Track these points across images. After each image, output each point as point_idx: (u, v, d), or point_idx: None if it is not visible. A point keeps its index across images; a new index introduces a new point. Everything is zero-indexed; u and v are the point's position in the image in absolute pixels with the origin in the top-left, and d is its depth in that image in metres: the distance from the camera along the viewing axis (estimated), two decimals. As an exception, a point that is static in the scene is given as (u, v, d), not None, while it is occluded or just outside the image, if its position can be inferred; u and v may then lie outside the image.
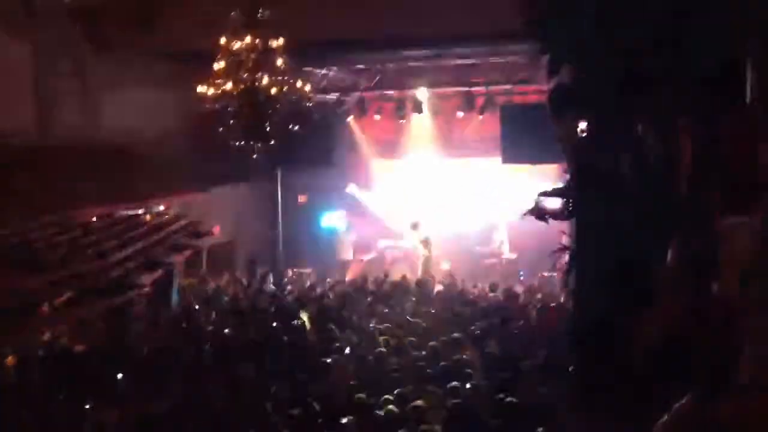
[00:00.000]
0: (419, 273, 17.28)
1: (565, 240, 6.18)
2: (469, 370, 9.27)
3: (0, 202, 10.96)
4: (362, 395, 8.35)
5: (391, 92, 18.45)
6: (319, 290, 14.96)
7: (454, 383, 8.60)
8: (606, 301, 4.73)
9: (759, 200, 2.79)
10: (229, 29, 11.01)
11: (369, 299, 14.00)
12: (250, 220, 19.89)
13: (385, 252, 19.98)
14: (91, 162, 14.18)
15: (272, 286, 15.54)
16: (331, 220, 21.04)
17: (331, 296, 14.21)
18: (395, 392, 8.38)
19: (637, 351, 2.99)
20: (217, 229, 16.28)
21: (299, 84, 11.40)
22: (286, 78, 11.23)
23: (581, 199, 4.86)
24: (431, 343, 10.39)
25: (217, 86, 11.05)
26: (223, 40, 10.97)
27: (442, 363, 9.56)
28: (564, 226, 7.35)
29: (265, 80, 10.92)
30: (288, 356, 10.14)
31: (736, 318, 2.52)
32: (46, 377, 9.33)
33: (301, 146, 16.29)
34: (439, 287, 14.79)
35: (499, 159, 17.43)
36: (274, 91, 10.98)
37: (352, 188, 20.76)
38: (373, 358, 9.91)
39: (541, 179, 14.92)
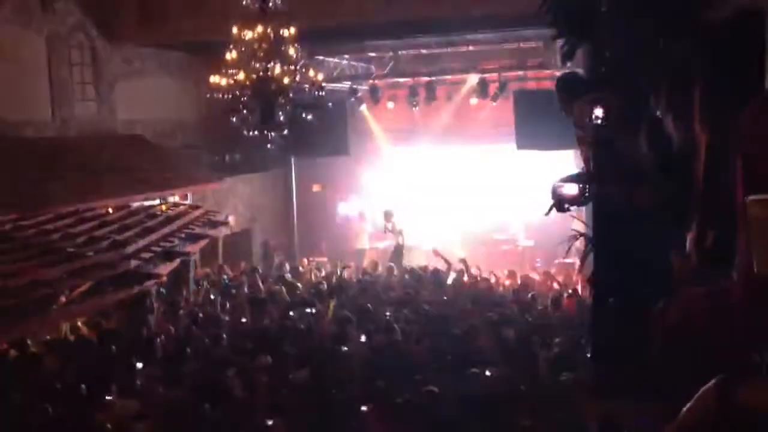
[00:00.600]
0: (388, 262, 17.33)
1: (580, 226, 6.15)
2: (487, 357, 9.27)
3: (17, 194, 11.02)
4: (380, 383, 8.36)
5: (403, 80, 18.41)
6: (334, 279, 14.96)
7: (474, 370, 8.60)
8: (624, 287, 4.71)
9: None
10: (240, 19, 10.98)
11: (384, 287, 14.00)
12: (266, 210, 19.94)
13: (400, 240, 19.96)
14: (105, 153, 14.25)
15: (288, 275, 15.56)
16: (346, 208, 21.05)
17: (347, 284, 14.20)
18: (414, 379, 8.40)
19: (657, 337, 2.98)
20: (232, 219, 16.32)
21: (311, 73, 11.38)
22: (298, 67, 11.21)
23: (598, 185, 4.83)
24: (450, 331, 10.40)
25: (229, 76, 11.03)
26: (235, 30, 10.95)
27: (460, 350, 9.56)
28: (580, 212, 7.32)
29: (278, 70, 10.89)
30: (305, 344, 10.16)
31: (757, 304, 2.50)
32: (66, 367, 9.40)
33: (315, 135, 16.30)
34: (453, 275, 14.76)
35: (513, 145, 17.34)
36: (286, 80, 10.96)
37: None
38: (391, 346, 9.92)
39: (557, 165, 14.87)
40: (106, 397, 8.15)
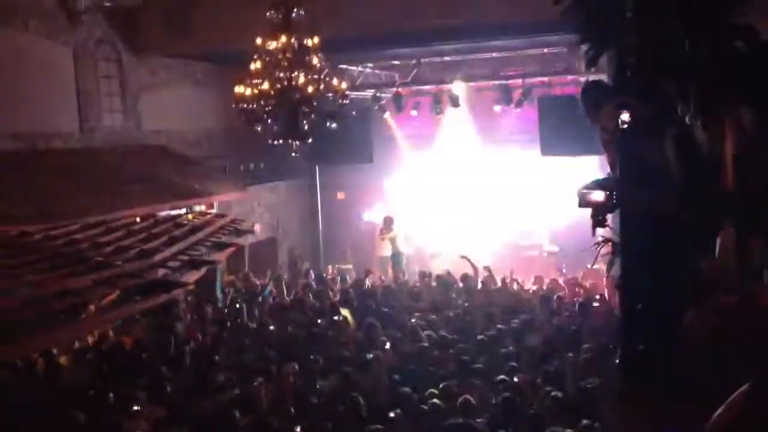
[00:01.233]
0: (390, 271, 17.50)
1: (606, 232, 6.12)
2: (513, 364, 9.24)
3: (45, 203, 11.15)
4: (406, 389, 8.37)
5: (427, 87, 18.42)
6: (360, 286, 14.98)
7: (501, 377, 8.59)
8: (652, 293, 4.68)
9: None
10: (264, 29, 11.05)
11: (411, 293, 14.01)
12: (291, 218, 20.02)
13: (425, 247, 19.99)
14: (132, 163, 14.39)
15: (314, 283, 15.60)
16: (371, 215, 21.09)
17: (372, 291, 14.22)
18: (441, 386, 8.40)
19: (687, 344, 2.96)
20: (258, 227, 16.39)
21: (335, 82, 11.41)
22: (322, 76, 11.25)
23: (625, 191, 4.81)
24: (477, 337, 10.39)
25: (254, 86, 11.09)
26: (258, 41, 11.01)
27: (487, 357, 9.55)
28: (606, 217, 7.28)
29: (302, 79, 10.94)
30: (332, 352, 10.18)
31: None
32: (95, 376, 9.49)
33: (339, 143, 16.36)
34: (480, 281, 14.73)
35: (538, 151, 17.29)
36: (310, 89, 10.99)
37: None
38: (417, 353, 9.93)
39: (581, 171, 14.81)
40: (135, 406, 8.22)
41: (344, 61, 17.11)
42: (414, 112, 19.20)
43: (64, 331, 8.10)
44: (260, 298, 13.93)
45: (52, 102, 13.75)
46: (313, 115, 11.35)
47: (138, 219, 12.37)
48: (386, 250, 18.79)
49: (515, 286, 14.68)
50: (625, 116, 4.77)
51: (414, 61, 17.76)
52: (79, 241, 9.96)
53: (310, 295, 13.97)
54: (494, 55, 17.30)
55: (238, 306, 12.97)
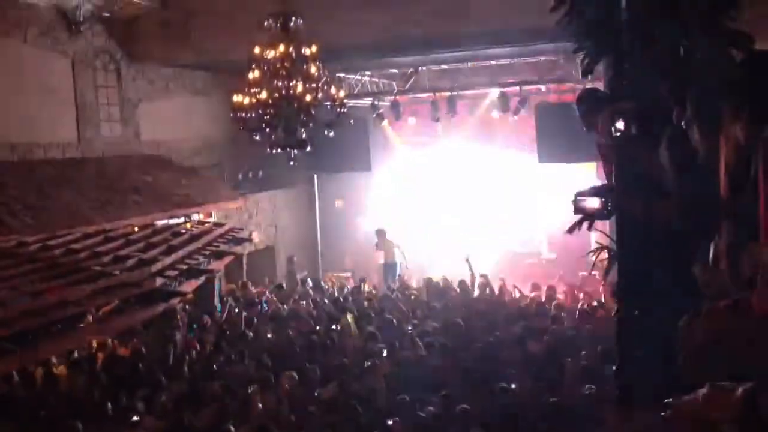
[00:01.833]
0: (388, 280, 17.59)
1: (602, 239, 6.14)
2: (512, 371, 9.25)
3: (44, 214, 11.16)
4: (405, 396, 8.38)
5: (425, 95, 18.47)
6: (358, 293, 14.99)
7: (500, 384, 8.60)
8: (649, 300, 4.70)
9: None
10: (262, 39, 11.08)
11: (409, 301, 14.02)
12: (289, 226, 20.04)
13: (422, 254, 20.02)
14: (130, 173, 14.41)
15: (312, 291, 15.62)
16: (369, 223, 21.12)
17: (371, 299, 14.23)
18: (441, 394, 8.40)
19: (683, 350, 2.97)
20: (256, 236, 16.41)
21: (333, 90, 11.44)
22: (320, 85, 11.28)
23: (620, 198, 4.83)
24: (475, 345, 10.39)
25: (252, 95, 11.12)
26: (257, 50, 11.05)
27: (486, 364, 9.55)
28: (603, 225, 7.30)
29: (300, 88, 10.96)
30: (330, 360, 10.19)
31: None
32: (94, 386, 9.49)
33: (337, 152, 16.41)
34: (477, 289, 14.75)
35: (535, 158, 17.34)
36: (308, 98, 11.01)
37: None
38: (416, 360, 9.93)
39: (578, 178, 14.85)
40: (134, 416, 8.22)
41: (342, 70, 17.16)
42: (412, 120, 19.24)
43: (63, 341, 8.11)
44: (258, 306, 13.93)
45: (51, 112, 13.78)
46: (311, 124, 11.37)
47: (136, 228, 12.39)
48: (382, 259, 18.88)
49: (517, 294, 14.69)
50: (620, 124, 4.79)
51: (411, 69, 17.80)
52: (77, 251, 9.98)
53: (308, 303, 13.99)
54: (492, 63, 17.35)
55: (236, 315, 12.98)
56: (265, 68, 11.08)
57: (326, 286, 16.54)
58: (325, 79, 11.42)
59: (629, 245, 5.09)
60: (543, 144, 16.83)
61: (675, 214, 4.01)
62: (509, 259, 18.97)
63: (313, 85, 11.16)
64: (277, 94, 11.02)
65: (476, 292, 14.57)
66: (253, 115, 11.13)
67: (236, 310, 13.38)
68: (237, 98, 11.14)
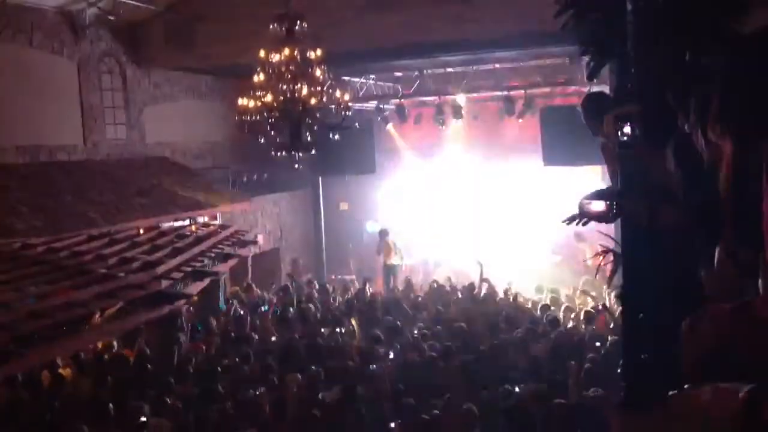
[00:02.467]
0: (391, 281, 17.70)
1: (607, 242, 6.13)
2: (516, 374, 9.25)
3: (49, 216, 11.20)
4: (410, 400, 8.38)
5: (430, 98, 18.48)
6: (363, 296, 15.00)
7: (505, 386, 8.60)
8: (654, 303, 4.69)
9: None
10: (268, 42, 11.12)
11: (414, 304, 14.02)
12: (294, 229, 20.08)
13: (428, 257, 20.05)
14: (135, 175, 14.45)
15: (317, 293, 15.64)
16: (374, 226, 21.15)
17: (375, 302, 14.24)
18: (445, 397, 8.40)
19: (686, 354, 2.97)
20: (261, 238, 16.44)
21: (338, 93, 11.47)
22: (325, 88, 11.31)
23: (625, 201, 4.83)
24: (480, 347, 10.39)
25: (257, 98, 11.16)
26: (262, 53, 11.08)
27: (490, 367, 9.55)
28: (607, 228, 7.31)
29: (305, 91, 11.00)
30: (335, 362, 10.19)
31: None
32: (100, 387, 9.51)
33: (342, 155, 16.44)
34: (483, 291, 14.75)
35: (540, 162, 17.36)
36: (313, 101, 11.06)
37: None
38: (420, 363, 9.93)
39: (583, 181, 14.86)
40: (140, 417, 8.23)
41: (347, 73, 17.20)
42: (417, 123, 19.26)
43: (68, 343, 8.13)
44: (262, 308, 13.95)
45: (57, 115, 13.83)
46: (316, 127, 11.42)
47: (141, 231, 12.41)
48: (390, 260, 18.95)
49: (520, 298, 14.68)
50: (626, 128, 4.79)
51: (416, 73, 17.85)
52: (82, 253, 10.00)
53: (313, 305, 14.00)
54: (497, 66, 17.36)
55: (242, 316, 13.00)
56: (271, 72, 11.12)
57: (331, 289, 16.55)
58: (329, 82, 11.46)
59: (634, 248, 5.09)
60: (548, 147, 16.85)
61: (680, 217, 4.01)
62: (512, 261, 18.93)
63: (318, 88, 11.21)
64: (282, 98, 11.06)
65: (482, 294, 14.56)
66: (258, 118, 11.18)
67: (241, 312, 13.40)
68: (242, 101, 11.18)
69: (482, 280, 14.85)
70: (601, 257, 6.24)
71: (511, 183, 19.80)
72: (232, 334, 12.09)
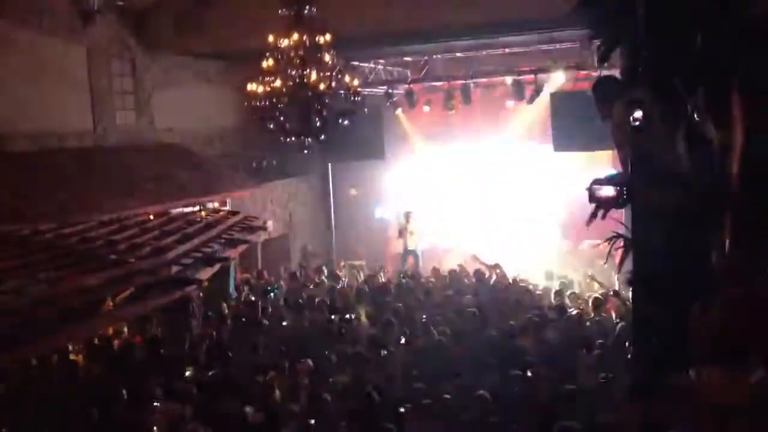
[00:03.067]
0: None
1: (619, 227, 6.12)
2: (526, 359, 9.25)
3: (59, 202, 11.22)
4: (420, 385, 8.40)
5: (439, 83, 18.39)
6: (373, 282, 15.01)
7: (516, 371, 8.61)
8: (664, 288, 4.69)
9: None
10: (277, 27, 11.08)
11: (424, 289, 14.01)
12: (304, 215, 20.08)
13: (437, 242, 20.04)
14: (145, 161, 14.46)
15: (326, 279, 15.66)
16: (383, 211, 21.13)
17: (385, 287, 14.24)
18: (455, 382, 8.42)
19: (697, 337, 2.96)
20: (270, 224, 16.45)
21: (347, 79, 11.43)
22: (334, 73, 11.27)
23: (636, 186, 4.81)
24: (490, 333, 10.39)
25: (266, 84, 11.13)
26: (271, 38, 11.04)
27: (500, 352, 9.55)
28: (618, 213, 7.28)
29: (314, 76, 10.97)
30: (345, 348, 10.21)
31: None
32: (111, 372, 9.56)
33: (351, 140, 16.41)
34: (493, 277, 14.74)
35: (550, 147, 17.29)
36: (322, 86, 11.03)
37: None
38: (431, 348, 9.94)
39: (593, 166, 14.81)
40: (152, 401, 8.28)
41: (356, 58, 17.13)
42: (426, 108, 19.19)
43: (79, 328, 8.16)
44: (272, 294, 13.98)
45: (66, 101, 13.83)
46: (325, 112, 11.39)
47: (151, 217, 12.44)
48: (400, 247, 18.93)
49: (530, 284, 14.64)
50: (637, 113, 4.76)
51: (426, 58, 17.75)
52: (93, 239, 10.03)
53: (323, 291, 14.02)
54: (507, 51, 17.25)
55: (251, 302, 13.03)
56: (279, 57, 11.09)
57: (341, 274, 16.56)
58: (338, 67, 11.42)
59: (644, 234, 5.08)
60: (558, 132, 16.78)
61: (691, 201, 4.00)
62: (522, 247, 18.89)
63: (327, 73, 11.17)
64: (291, 83, 11.03)
65: (492, 280, 14.54)
66: (267, 103, 11.16)
67: (252, 298, 13.43)
68: (251, 87, 11.16)
69: (492, 267, 14.84)
70: (612, 243, 6.23)
71: (520, 168, 19.70)
72: (243, 319, 12.11)
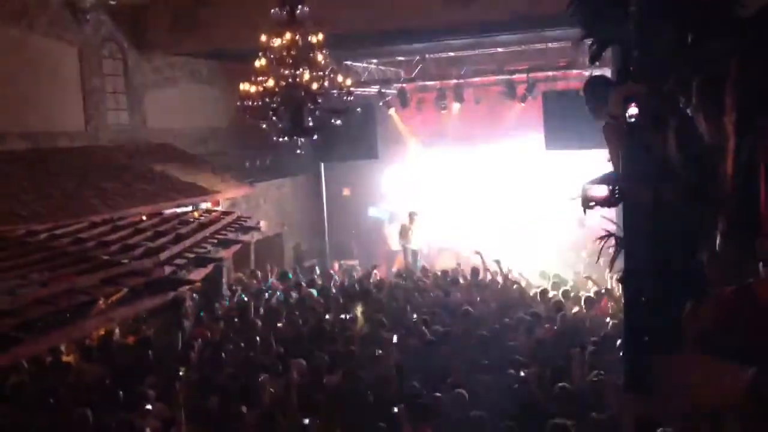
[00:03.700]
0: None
1: (610, 226, 6.14)
2: (520, 358, 9.27)
3: (52, 203, 11.20)
4: (414, 384, 8.40)
5: (432, 83, 18.42)
6: (366, 281, 15.01)
7: (509, 370, 8.62)
8: (656, 286, 4.70)
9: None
10: (269, 27, 11.07)
11: (417, 288, 14.03)
12: (296, 214, 20.07)
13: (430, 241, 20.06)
14: (138, 161, 14.44)
15: (319, 279, 15.65)
16: (376, 211, 21.13)
17: (378, 287, 14.24)
18: (447, 381, 8.42)
19: (688, 336, 2.98)
20: (263, 224, 16.44)
21: (340, 78, 11.43)
22: (326, 73, 11.27)
23: (627, 184, 4.83)
24: (481, 332, 10.40)
25: (259, 83, 11.12)
26: (263, 38, 11.04)
27: (494, 351, 9.57)
28: (609, 212, 7.30)
29: (306, 76, 10.96)
30: (338, 348, 10.21)
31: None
32: (104, 373, 9.54)
33: (344, 140, 16.44)
34: (488, 276, 14.75)
35: (542, 145, 17.33)
36: (315, 86, 11.02)
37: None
38: (424, 347, 9.95)
39: (585, 165, 14.81)
40: (144, 403, 8.26)
41: (349, 58, 17.13)
42: (419, 107, 19.20)
43: (72, 329, 8.13)
44: (266, 294, 13.97)
45: (58, 101, 13.81)
46: (318, 112, 11.38)
47: (144, 217, 12.41)
48: (398, 246, 18.98)
49: (524, 283, 14.66)
50: (632, 110, 4.78)
51: (418, 57, 17.77)
52: (85, 240, 10.01)
53: (316, 291, 14.01)
54: (499, 50, 17.28)
55: (244, 302, 13.02)
56: (272, 56, 11.08)
57: (334, 274, 16.56)
58: (331, 67, 11.41)
59: (636, 232, 5.09)
60: (550, 131, 16.81)
61: (682, 200, 4.01)
62: (515, 246, 18.91)
63: (320, 73, 11.16)
64: (283, 82, 11.02)
65: (487, 279, 14.55)
66: (259, 103, 11.14)
67: (244, 298, 13.42)
68: (244, 86, 11.15)
69: (485, 268, 14.84)
70: (603, 242, 6.25)
71: (513, 167, 19.72)
72: (236, 319, 12.11)
